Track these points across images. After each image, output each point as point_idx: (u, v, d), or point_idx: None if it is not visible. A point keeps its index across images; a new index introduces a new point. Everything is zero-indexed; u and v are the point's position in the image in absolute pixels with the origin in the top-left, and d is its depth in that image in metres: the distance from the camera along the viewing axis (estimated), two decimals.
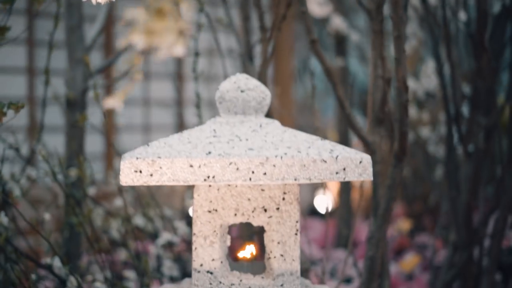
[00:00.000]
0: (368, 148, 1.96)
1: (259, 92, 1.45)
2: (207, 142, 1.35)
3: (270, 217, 1.42)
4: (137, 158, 1.31)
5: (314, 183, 4.75)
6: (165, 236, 2.17)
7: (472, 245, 2.62)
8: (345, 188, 3.58)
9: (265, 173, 1.31)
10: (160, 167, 1.31)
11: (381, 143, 1.96)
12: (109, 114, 4.34)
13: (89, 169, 2.24)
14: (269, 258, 1.43)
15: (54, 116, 3.28)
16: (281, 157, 1.31)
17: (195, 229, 1.42)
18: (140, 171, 1.31)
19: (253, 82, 1.45)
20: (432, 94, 3.39)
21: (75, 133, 2.24)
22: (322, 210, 4.31)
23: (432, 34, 2.69)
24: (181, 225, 2.23)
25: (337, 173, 1.32)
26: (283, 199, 1.42)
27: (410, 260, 2.97)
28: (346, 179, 1.32)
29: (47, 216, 1.95)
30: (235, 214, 1.42)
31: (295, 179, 1.31)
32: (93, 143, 4.15)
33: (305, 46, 6.33)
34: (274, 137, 1.37)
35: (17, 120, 2.71)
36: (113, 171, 2.80)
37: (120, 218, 2.12)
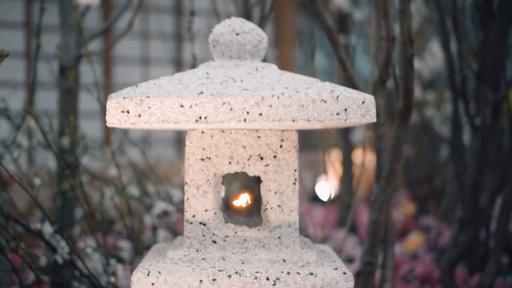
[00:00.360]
0: None
1: (255, 35, 1.36)
2: (199, 83, 1.26)
3: (267, 165, 1.33)
4: (124, 98, 1.23)
5: (316, 172, 4.67)
6: (160, 205, 2.08)
7: (478, 222, 2.54)
8: (347, 174, 3.49)
9: (260, 114, 1.22)
10: (149, 107, 1.22)
11: (384, 104, 1.88)
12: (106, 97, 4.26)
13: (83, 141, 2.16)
14: (266, 209, 1.35)
15: (52, 101, 3.20)
16: (278, 97, 1.22)
17: (187, 178, 1.33)
18: (128, 112, 1.22)
19: (249, 25, 1.37)
20: (437, 73, 3.30)
21: (68, 100, 2.15)
22: (323, 197, 4.23)
23: (438, 6, 2.60)
24: (176, 193, 2.14)
25: (338, 114, 1.23)
26: (281, 146, 1.33)
27: (414, 240, 2.88)
28: (348, 121, 1.23)
29: (37, 181, 1.86)
30: (230, 163, 1.34)
31: (293, 120, 1.22)
32: (93, 129, 4.07)
33: (307, 39, 6.25)
34: (270, 79, 1.29)
35: (15, 105, 2.64)
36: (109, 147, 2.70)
37: (113, 187, 2.03)
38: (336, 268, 1.28)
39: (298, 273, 1.27)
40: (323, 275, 1.27)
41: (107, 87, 4.18)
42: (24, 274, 2.17)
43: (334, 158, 4.36)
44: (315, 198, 4.40)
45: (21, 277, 1.90)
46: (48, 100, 3.48)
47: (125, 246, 2.08)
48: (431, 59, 3.16)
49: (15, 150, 2.09)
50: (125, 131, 2.45)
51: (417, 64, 3.24)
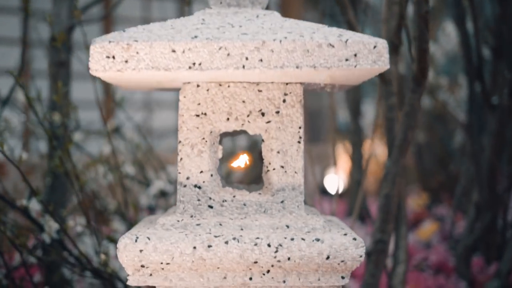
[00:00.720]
0: (382, 78, 1.76)
1: None
2: (194, 28, 1.16)
3: (269, 122, 1.22)
4: (109, 42, 1.12)
5: (324, 165, 4.56)
6: (158, 184, 1.96)
7: (495, 207, 2.43)
8: (357, 166, 3.37)
9: (261, 60, 1.11)
10: (137, 52, 1.12)
11: (396, 72, 1.77)
12: (107, 91, 4.17)
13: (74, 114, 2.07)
14: (268, 170, 1.23)
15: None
16: (280, 41, 1.11)
17: (181, 136, 1.22)
18: (113, 57, 1.12)
19: None
20: (452, 57, 3.19)
21: (60, 73, 2.04)
22: (332, 190, 4.11)
23: None
24: (174, 170, 2.03)
25: (346, 60, 1.12)
26: (284, 101, 1.22)
27: (428, 228, 2.76)
28: (358, 67, 1.12)
29: (24, 154, 1.75)
30: (228, 119, 1.23)
31: (297, 67, 1.11)
32: (91, 119, 3.97)
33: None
34: (272, 24, 1.18)
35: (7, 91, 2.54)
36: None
37: (106, 164, 1.92)
38: (345, 234, 1.17)
39: (303, 239, 1.16)
40: (331, 241, 1.15)
41: None
42: (12, 257, 2.07)
43: (343, 150, 4.25)
44: (323, 192, 4.28)
45: (6, 259, 1.79)
46: (45, 89, 3.39)
47: (119, 228, 1.97)
48: (446, 40, 3.04)
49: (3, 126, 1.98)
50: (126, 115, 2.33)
51: (430, 47, 3.13)
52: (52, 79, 2.01)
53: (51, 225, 1.72)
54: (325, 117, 4.95)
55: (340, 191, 3.82)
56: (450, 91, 3.14)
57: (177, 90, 1.32)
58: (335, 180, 3.97)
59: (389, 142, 1.73)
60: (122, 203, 1.91)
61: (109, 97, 3.77)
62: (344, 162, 4.00)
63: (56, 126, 1.94)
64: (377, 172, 3.88)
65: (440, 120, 3.28)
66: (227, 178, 2.23)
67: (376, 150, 3.90)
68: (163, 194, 1.99)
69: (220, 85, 1.22)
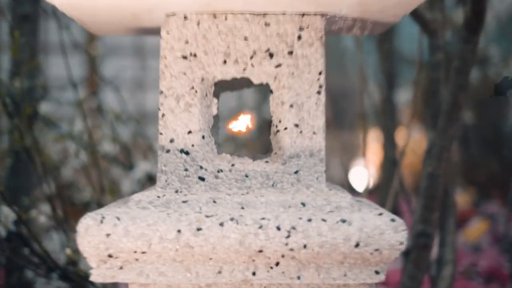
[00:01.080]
0: (426, 28, 1.59)
1: None
2: None
3: (279, 66, 1.05)
4: None
5: (350, 156, 4.38)
6: (143, 167, 1.80)
7: None
8: (389, 156, 3.19)
9: None
10: None
11: (443, 22, 1.60)
12: (92, 67, 4.03)
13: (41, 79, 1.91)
14: (277, 131, 1.06)
15: None
16: None
17: (163, 85, 1.06)
18: None
19: None
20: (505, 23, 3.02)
21: (23, 30, 1.89)
22: (359, 187, 3.94)
23: None
24: None
25: None
26: (299, 38, 1.05)
27: (476, 228, 2.59)
28: None
29: None
30: (225, 62, 1.05)
31: None
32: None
33: None
34: None
35: None
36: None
37: (78, 140, 1.75)
38: (380, 214, 0.99)
39: (323, 220, 0.98)
40: (361, 223, 0.98)
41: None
42: None
43: (373, 138, 4.08)
44: (349, 188, 4.11)
45: None
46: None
47: None
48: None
49: None
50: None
51: None
52: (15, 40, 1.85)
53: (8, 215, 1.56)
54: (352, 100, 4.77)
55: (370, 186, 3.65)
56: (503, 63, 2.96)
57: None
58: (364, 174, 3.80)
59: (434, 109, 1.56)
60: (98, 189, 1.74)
61: (92, 71, 3.63)
62: (373, 152, 3.83)
63: (18, 94, 1.79)
64: (414, 164, 3.70)
65: (491, 98, 3.11)
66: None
67: (413, 136, 3.72)
68: (150, 178, 1.83)
69: (215, 16, 1.05)
